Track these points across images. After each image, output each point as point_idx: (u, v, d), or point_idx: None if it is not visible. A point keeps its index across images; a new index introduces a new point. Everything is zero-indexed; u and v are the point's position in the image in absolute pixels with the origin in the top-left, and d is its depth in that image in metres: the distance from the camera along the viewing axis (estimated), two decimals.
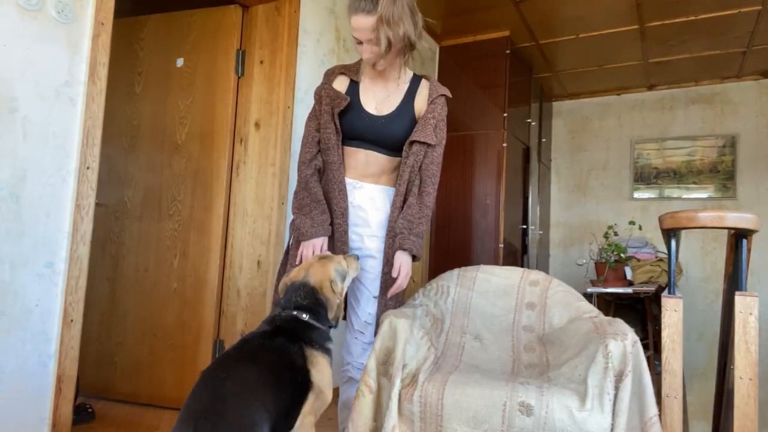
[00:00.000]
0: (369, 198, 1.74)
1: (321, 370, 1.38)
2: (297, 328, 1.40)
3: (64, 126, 1.81)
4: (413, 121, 1.73)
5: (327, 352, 1.43)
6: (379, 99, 1.74)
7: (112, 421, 2.54)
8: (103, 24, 1.90)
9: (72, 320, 1.84)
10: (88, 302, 1.99)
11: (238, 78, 2.81)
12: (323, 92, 1.75)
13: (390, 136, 1.71)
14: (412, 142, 1.69)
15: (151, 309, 2.80)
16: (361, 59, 1.77)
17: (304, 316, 1.44)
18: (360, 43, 1.63)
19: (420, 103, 1.75)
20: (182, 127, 2.85)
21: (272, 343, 1.33)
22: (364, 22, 1.56)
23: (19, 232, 1.68)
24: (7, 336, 1.66)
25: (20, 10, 1.65)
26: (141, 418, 2.58)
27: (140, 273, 2.85)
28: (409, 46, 1.68)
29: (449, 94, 1.77)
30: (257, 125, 2.77)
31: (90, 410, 2.51)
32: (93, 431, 2.40)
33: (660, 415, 1.40)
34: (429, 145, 1.70)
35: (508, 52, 4.07)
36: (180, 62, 2.89)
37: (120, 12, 2.17)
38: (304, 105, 2.81)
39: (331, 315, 1.47)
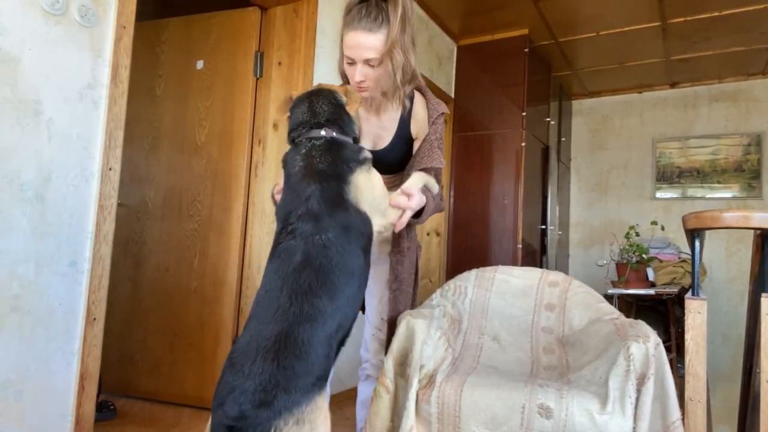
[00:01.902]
0: None
1: (365, 191, 1.31)
2: (336, 169, 1.27)
3: (87, 128, 1.84)
4: (410, 141, 1.66)
5: (362, 163, 1.33)
6: (373, 133, 1.65)
7: (133, 419, 2.58)
8: (124, 27, 1.93)
9: (95, 319, 1.87)
10: (111, 301, 2.02)
11: (257, 79, 2.83)
12: None
13: (390, 165, 1.64)
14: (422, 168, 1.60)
15: (171, 308, 2.84)
16: None
17: (334, 134, 1.33)
18: (352, 63, 1.48)
19: (417, 124, 1.64)
20: (202, 129, 2.89)
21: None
22: (366, 40, 1.42)
23: (44, 232, 1.72)
24: (32, 334, 1.70)
25: (44, 14, 1.69)
26: (161, 416, 2.62)
27: (161, 272, 2.89)
28: (412, 80, 1.57)
29: (447, 111, 1.69)
30: (275, 126, 2.79)
31: (112, 407, 2.56)
32: (115, 428, 2.44)
33: (683, 419, 1.38)
34: (438, 168, 1.62)
35: (526, 50, 4.04)
36: (200, 64, 2.92)
37: (141, 15, 2.20)
38: None
39: (355, 106, 1.38)
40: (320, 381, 1.09)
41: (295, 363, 1.04)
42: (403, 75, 1.50)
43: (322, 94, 1.41)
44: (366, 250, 1.29)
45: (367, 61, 1.46)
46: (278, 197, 1.43)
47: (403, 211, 1.43)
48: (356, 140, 1.44)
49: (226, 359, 1.08)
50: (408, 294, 1.70)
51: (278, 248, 1.22)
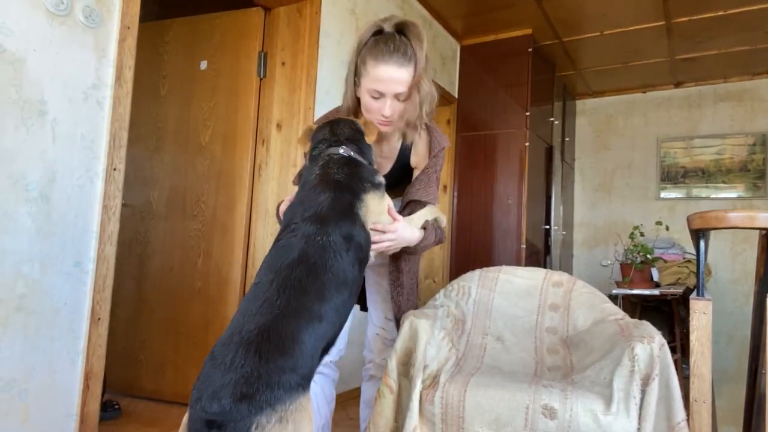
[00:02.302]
0: None
1: (374, 213, 1.34)
2: (351, 183, 1.30)
3: (91, 128, 1.84)
4: (409, 169, 1.67)
5: (377, 187, 1.37)
6: (375, 162, 1.65)
7: (137, 418, 2.58)
8: (129, 28, 1.93)
9: (99, 318, 1.88)
10: (115, 301, 2.03)
11: (260, 80, 2.84)
12: None
13: (387, 188, 1.66)
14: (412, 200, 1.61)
15: (175, 308, 2.85)
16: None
17: (352, 153, 1.37)
18: (379, 96, 1.44)
19: (417, 157, 1.65)
20: (206, 129, 2.89)
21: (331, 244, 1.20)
22: (398, 74, 1.40)
23: (49, 232, 1.72)
24: (37, 334, 1.70)
25: (49, 15, 1.70)
26: (166, 415, 2.62)
27: (165, 272, 2.90)
28: (432, 111, 1.56)
29: (449, 144, 1.69)
30: (279, 126, 2.80)
31: (117, 407, 2.56)
32: (119, 428, 2.45)
33: (688, 420, 1.37)
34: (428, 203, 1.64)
35: (530, 50, 4.03)
36: (204, 65, 2.93)
37: (145, 16, 2.21)
38: (324, 106, 2.82)
39: (373, 138, 1.43)
40: (305, 381, 1.05)
41: (278, 357, 1.00)
42: (429, 105, 1.50)
43: (343, 120, 1.47)
44: (362, 265, 1.30)
45: (397, 96, 1.45)
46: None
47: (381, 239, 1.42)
48: (371, 165, 1.47)
49: (208, 354, 1.05)
50: (413, 301, 1.71)
51: (278, 244, 1.22)
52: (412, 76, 1.43)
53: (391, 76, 1.41)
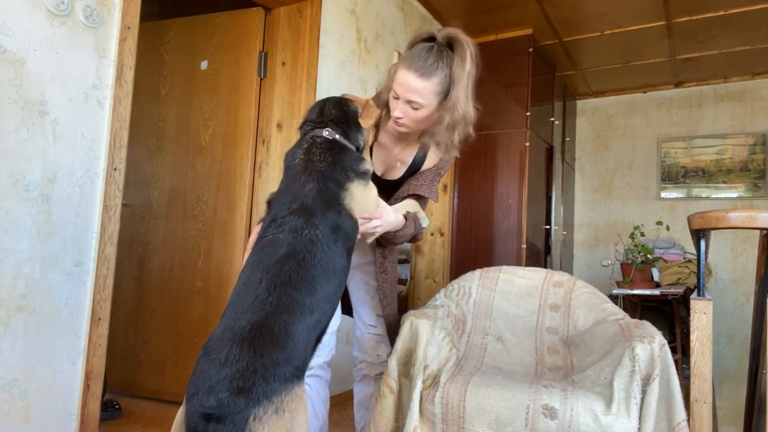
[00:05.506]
0: None
1: (359, 201, 1.35)
2: (334, 173, 1.30)
3: (92, 128, 1.84)
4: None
5: (362, 176, 1.37)
6: (389, 163, 1.68)
7: (138, 418, 2.58)
8: (129, 28, 1.93)
9: (100, 318, 1.88)
10: (116, 301, 2.03)
11: (261, 80, 2.84)
12: None
13: (394, 192, 1.67)
14: (413, 194, 1.63)
15: (176, 308, 2.85)
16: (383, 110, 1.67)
17: (337, 136, 1.37)
18: (397, 97, 1.49)
19: (433, 159, 1.67)
20: (206, 129, 2.89)
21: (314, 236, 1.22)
22: (414, 82, 1.43)
23: (49, 232, 1.72)
24: (38, 333, 1.70)
25: (49, 15, 1.70)
26: (166, 415, 2.63)
27: (165, 272, 2.90)
28: (463, 124, 1.57)
29: (458, 155, 1.71)
30: (279, 126, 2.80)
31: (117, 407, 2.56)
32: (120, 427, 2.45)
33: (689, 420, 1.37)
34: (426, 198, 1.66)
35: (531, 50, 4.03)
36: (204, 65, 2.93)
37: (146, 16, 2.21)
38: None
39: (369, 122, 1.43)
40: (299, 372, 1.08)
41: (272, 350, 1.03)
42: (463, 128, 1.55)
43: (336, 100, 1.47)
44: (350, 253, 1.32)
45: (409, 102, 1.47)
46: None
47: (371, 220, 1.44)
48: (359, 149, 1.46)
49: (201, 349, 1.06)
50: (394, 298, 1.74)
51: (263, 240, 1.23)
52: (434, 90, 1.45)
53: (407, 82, 1.44)
